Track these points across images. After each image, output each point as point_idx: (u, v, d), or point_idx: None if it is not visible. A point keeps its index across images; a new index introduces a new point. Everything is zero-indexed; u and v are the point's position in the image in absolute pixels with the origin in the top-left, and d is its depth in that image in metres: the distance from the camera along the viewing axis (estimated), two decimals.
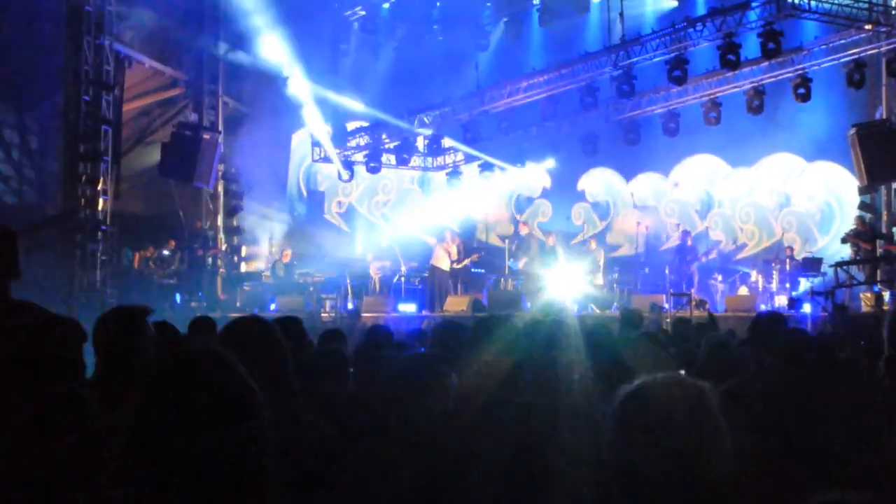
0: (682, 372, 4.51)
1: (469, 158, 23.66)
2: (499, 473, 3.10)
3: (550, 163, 24.34)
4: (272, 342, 3.43)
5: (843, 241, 20.39)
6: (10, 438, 2.12)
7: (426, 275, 21.01)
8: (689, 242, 21.74)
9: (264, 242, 23.32)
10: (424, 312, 19.54)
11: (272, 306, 19.31)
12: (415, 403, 3.47)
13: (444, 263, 20.44)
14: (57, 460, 2.08)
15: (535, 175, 25.55)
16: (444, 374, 3.60)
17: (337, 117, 23.82)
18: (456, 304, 19.47)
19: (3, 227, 3.84)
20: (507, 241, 23.05)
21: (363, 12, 23.89)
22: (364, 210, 26.18)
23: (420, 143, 22.96)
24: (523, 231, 21.86)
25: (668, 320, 16.43)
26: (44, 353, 2.77)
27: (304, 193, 25.56)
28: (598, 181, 26.41)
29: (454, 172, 24.04)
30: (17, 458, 2.07)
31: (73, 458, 2.07)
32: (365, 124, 23.10)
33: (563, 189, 26.00)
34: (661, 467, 2.10)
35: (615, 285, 21.86)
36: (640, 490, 2.12)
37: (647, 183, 26.22)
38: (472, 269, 21.84)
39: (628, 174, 26.22)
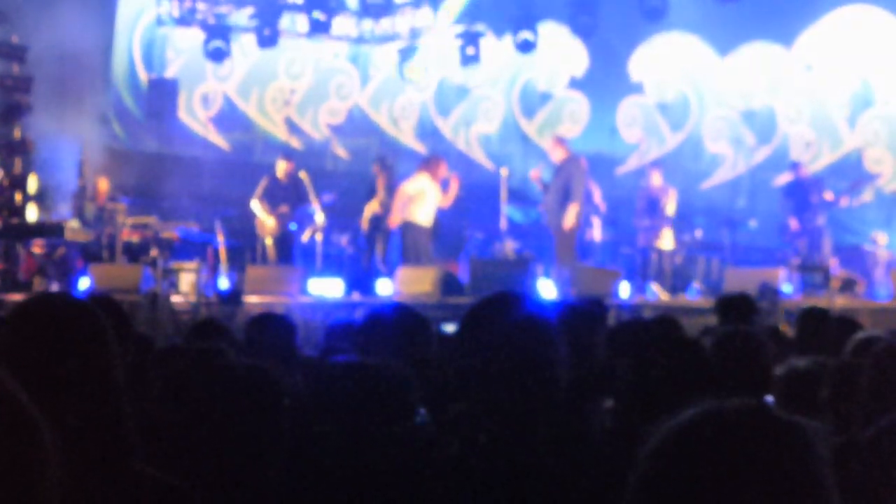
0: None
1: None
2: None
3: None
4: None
5: None
6: None
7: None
8: (807, 174, 15.12)
9: (69, 169, 16.59)
10: (357, 296, 13.87)
11: (83, 281, 14.00)
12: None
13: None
14: None
15: (558, 49, 18.22)
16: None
17: None
18: (414, 282, 13.61)
19: None
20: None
21: None
22: (252, 108, 18.53)
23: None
24: (557, 156, 14.89)
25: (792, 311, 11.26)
26: None
27: (143, 82, 18.10)
28: (669, 58, 18.48)
29: (409, 49, 17.08)
30: None
31: None
32: None
33: (606, 79, 18.52)
34: None
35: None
36: None
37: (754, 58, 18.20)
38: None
39: (722, 47, 18.08)
